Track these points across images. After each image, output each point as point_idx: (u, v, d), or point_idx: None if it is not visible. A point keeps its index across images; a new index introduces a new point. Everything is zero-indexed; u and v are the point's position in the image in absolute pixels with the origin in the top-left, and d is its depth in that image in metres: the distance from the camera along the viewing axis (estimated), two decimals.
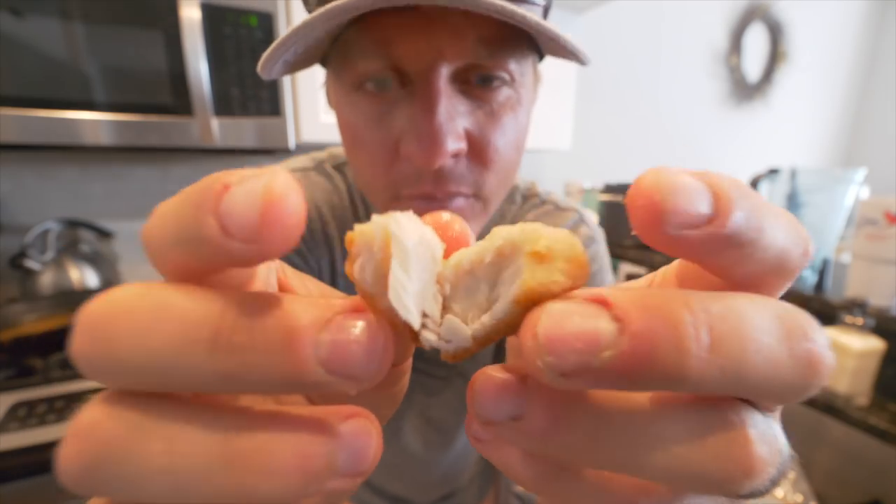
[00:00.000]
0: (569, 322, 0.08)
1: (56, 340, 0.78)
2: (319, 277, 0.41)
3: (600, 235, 0.48)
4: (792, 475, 0.63)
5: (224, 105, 0.83)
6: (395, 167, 0.28)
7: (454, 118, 0.25)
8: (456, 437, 0.54)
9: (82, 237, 1.05)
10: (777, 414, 0.11)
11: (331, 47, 0.28)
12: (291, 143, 0.91)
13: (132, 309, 0.09)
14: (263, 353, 0.08)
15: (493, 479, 0.69)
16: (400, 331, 0.09)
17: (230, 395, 0.11)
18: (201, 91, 0.79)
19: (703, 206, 0.08)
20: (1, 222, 0.99)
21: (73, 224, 1.02)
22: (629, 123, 1.78)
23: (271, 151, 0.95)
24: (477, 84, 0.27)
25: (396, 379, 0.14)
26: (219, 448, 0.08)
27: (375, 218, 0.09)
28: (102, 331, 0.09)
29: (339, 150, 0.48)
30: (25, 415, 0.63)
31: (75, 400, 0.67)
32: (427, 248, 0.09)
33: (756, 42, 1.94)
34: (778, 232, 0.09)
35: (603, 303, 0.08)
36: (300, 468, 0.08)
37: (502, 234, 0.09)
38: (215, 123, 0.82)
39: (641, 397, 0.09)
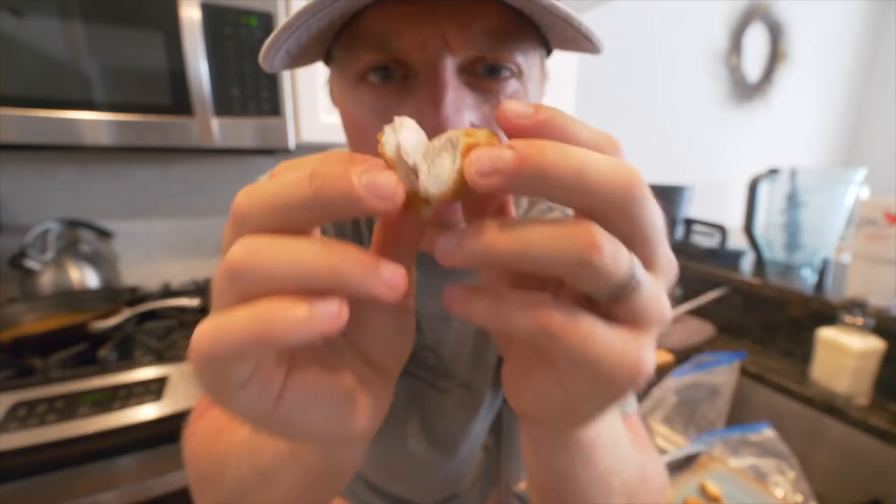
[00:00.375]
0: (487, 150, 0.14)
1: (56, 340, 0.77)
2: None
3: None
4: (792, 475, 0.63)
5: (224, 105, 0.83)
6: None
7: (461, 111, 0.25)
8: (459, 444, 0.54)
9: (82, 237, 1.05)
10: (653, 274, 0.16)
11: (334, 43, 0.28)
12: (291, 143, 0.91)
13: (266, 180, 0.16)
14: (334, 179, 0.14)
15: (495, 481, 0.69)
16: (407, 193, 0.15)
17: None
18: (201, 91, 0.79)
19: (528, 109, 0.15)
20: (1, 222, 0.99)
21: (73, 224, 1.02)
22: (629, 123, 1.78)
23: (271, 151, 0.95)
24: (483, 75, 0.26)
25: (406, 306, 0.20)
26: (321, 247, 0.14)
27: (396, 118, 0.17)
28: (250, 190, 0.16)
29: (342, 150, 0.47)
30: (25, 415, 0.63)
31: (75, 400, 0.67)
32: (419, 134, 0.16)
33: (756, 42, 1.94)
34: (583, 129, 0.15)
35: (508, 146, 0.14)
36: (365, 263, 0.14)
37: (447, 132, 0.16)
38: (215, 123, 0.82)
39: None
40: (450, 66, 0.25)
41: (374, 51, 0.25)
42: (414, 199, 0.16)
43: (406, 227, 0.17)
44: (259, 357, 0.16)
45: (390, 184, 0.14)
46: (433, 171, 0.15)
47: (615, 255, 0.14)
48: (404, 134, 0.16)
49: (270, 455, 0.23)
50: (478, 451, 0.62)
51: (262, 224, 0.15)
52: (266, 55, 0.26)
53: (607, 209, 0.14)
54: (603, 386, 0.16)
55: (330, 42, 0.28)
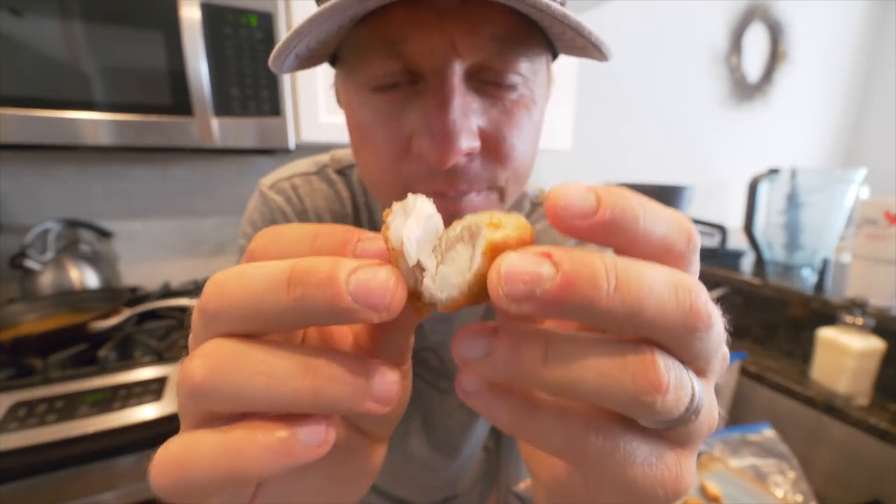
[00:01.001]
0: (521, 263, 0.11)
1: (56, 340, 0.77)
2: None
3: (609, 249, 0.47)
4: (792, 475, 0.63)
5: (224, 105, 0.83)
6: (406, 165, 0.27)
7: (468, 115, 0.25)
8: (460, 446, 0.54)
9: (82, 237, 1.05)
10: (706, 380, 0.14)
11: (341, 46, 0.28)
12: (291, 143, 0.91)
13: (240, 270, 0.13)
14: (317, 287, 0.12)
15: (495, 481, 0.69)
16: (410, 292, 0.13)
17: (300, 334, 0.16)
18: (201, 91, 0.79)
19: (587, 203, 0.12)
20: (1, 222, 0.99)
21: (72, 224, 1.02)
22: (629, 123, 1.78)
23: (271, 151, 0.95)
24: (491, 81, 0.26)
25: (404, 373, 0.18)
26: (299, 362, 0.12)
27: (410, 196, 0.14)
28: (220, 284, 0.13)
29: (343, 153, 0.47)
30: (25, 415, 0.63)
31: (75, 400, 0.67)
32: (432, 221, 0.14)
33: (756, 42, 1.94)
34: (656, 223, 0.12)
35: (546, 255, 0.11)
36: (351, 381, 0.12)
37: (468, 218, 0.13)
38: (215, 123, 0.82)
39: (578, 332, 0.13)
40: (457, 70, 0.24)
41: (383, 58, 0.25)
42: (415, 298, 0.13)
43: (403, 318, 0.14)
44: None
45: (387, 290, 0.12)
46: (443, 271, 0.13)
47: (678, 394, 0.12)
48: (412, 222, 0.13)
49: None
50: (478, 452, 0.62)
51: (233, 327, 0.13)
52: (276, 60, 0.26)
53: (664, 340, 0.12)
54: (634, 502, 0.14)
55: (337, 44, 0.28)
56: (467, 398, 0.13)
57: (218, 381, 0.12)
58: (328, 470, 0.17)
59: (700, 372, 0.14)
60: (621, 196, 0.12)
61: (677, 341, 0.12)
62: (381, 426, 0.19)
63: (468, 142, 0.25)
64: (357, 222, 0.44)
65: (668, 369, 0.12)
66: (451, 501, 0.62)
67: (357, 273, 0.12)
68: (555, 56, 0.32)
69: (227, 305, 0.13)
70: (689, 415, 0.13)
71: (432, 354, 0.47)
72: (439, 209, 0.24)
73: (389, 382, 0.13)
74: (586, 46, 0.26)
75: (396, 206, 0.14)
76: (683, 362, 0.13)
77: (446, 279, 0.13)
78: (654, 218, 0.12)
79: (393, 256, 0.13)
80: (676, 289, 0.12)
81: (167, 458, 0.13)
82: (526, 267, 0.11)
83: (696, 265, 0.14)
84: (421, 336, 0.46)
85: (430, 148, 0.25)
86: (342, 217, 0.43)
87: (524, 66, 0.27)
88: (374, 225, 0.43)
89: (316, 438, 0.13)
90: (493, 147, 0.27)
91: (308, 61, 0.29)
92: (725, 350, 0.15)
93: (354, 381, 0.12)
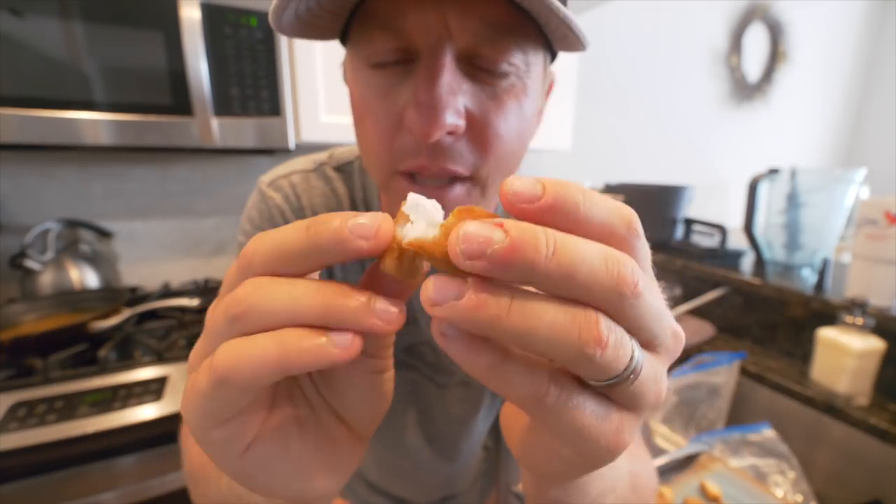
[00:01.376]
0: (477, 228, 0.13)
1: (56, 340, 0.77)
2: None
3: None
4: (792, 475, 0.63)
5: (224, 105, 0.83)
6: (397, 139, 0.28)
7: (455, 93, 0.26)
8: (459, 444, 0.54)
9: (82, 237, 1.05)
10: (655, 355, 0.16)
11: (349, 22, 0.29)
12: (291, 143, 0.91)
13: (272, 230, 0.16)
14: (326, 225, 0.15)
15: (495, 480, 0.69)
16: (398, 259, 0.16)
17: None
18: (201, 91, 0.79)
19: (534, 190, 0.14)
20: (1, 222, 0.99)
21: (72, 224, 1.02)
22: (629, 123, 1.78)
23: (271, 151, 0.95)
24: (483, 69, 0.27)
25: (383, 368, 0.20)
26: (313, 285, 0.15)
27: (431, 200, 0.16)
28: (257, 238, 0.16)
29: (342, 151, 0.47)
30: (25, 415, 0.63)
31: (75, 400, 0.67)
32: (435, 219, 0.16)
33: (756, 42, 1.94)
34: (596, 209, 0.14)
35: (499, 224, 0.13)
36: (355, 297, 0.15)
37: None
38: (215, 123, 0.82)
39: (535, 292, 0.14)
40: (449, 50, 0.25)
41: (382, 31, 0.26)
42: (398, 261, 0.16)
43: (391, 283, 0.17)
44: (254, 395, 0.17)
45: (375, 222, 0.15)
46: (419, 223, 0.15)
47: (617, 352, 0.14)
48: (422, 207, 0.16)
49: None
50: (478, 451, 0.62)
51: (265, 268, 0.16)
52: (274, 13, 0.26)
53: (600, 305, 0.14)
54: (583, 455, 0.17)
55: (345, 22, 0.29)
56: (445, 341, 0.15)
57: (253, 301, 0.15)
58: (310, 455, 0.19)
59: (647, 345, 0.16)
60: (565, 186, 0.14)
61: (611, 306, 0.14)
62: (362, 415, 0.20)
63: (453, 118, 0.26)
64: None
65: (609, 329, 0.14)
66: (451, 500, 0.62)
67: (356, 217, 0.15)
68: (553, 56, 0.32)
69: (260, 250, 0.16)
70: (626, 374, 0.15)
71: (428, 348, 0.47)
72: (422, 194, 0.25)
73: (386, 304, 0.15)
74: (568, 35, 0.27)
75: (412, 198, 0.16)
76: (627, 330, 0.15)
77: (419, 227, 0.15)
78: (594, 205, 0.14)
79: (399, 252, 0.16)
80: (606, 259, 0.14)
81: (230, 347, 0.15)
82: (481, 231, 0.13)
83: (641, 249, 0.16)
84: (417, 331, 0.46)
85: (416, 119, 0.26)
86: None
87: (517, 56, 0.27)
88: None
89: (345, 340, 0.15)
90: (478, 131, 0.28)
91: (312, 29, 0.29)
92: (676, 328, 0.17)
93: (358, 298, 0.15)
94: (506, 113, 0.28)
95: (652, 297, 0.15)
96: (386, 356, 0.20)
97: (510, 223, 0.13)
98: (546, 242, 0.13)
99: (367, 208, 0.44)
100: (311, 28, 0.29)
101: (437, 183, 0.29)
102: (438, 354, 0.47)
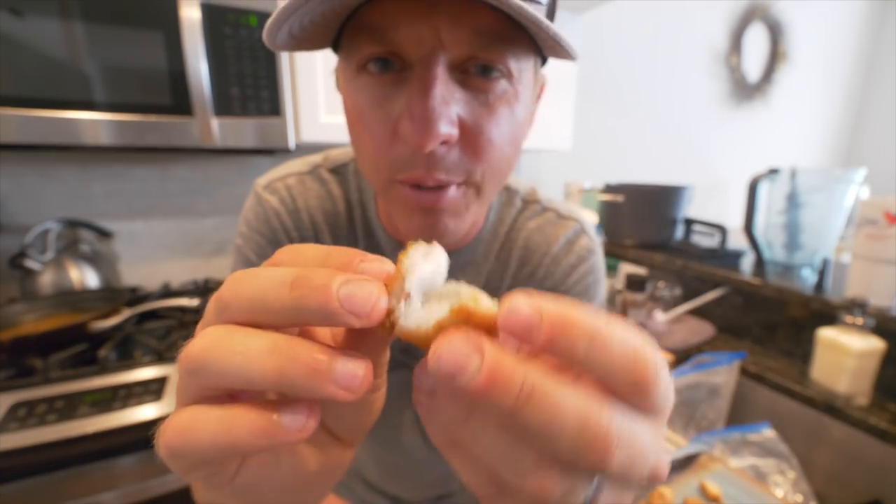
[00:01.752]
0: (454, 351, 0.13)
1: (56, 340, 0.77)
2: None
3: (599, 248, 0.48)
4: (792, 475, 0.63)
5: (224, 105, 0.83)
6: (393, 149, 0.29)
7: (448, 103, 0.26)
8: None
9: (82, 237, 1.05)
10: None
11: (341, 31, 0.29)
12: (291, 143, 0.91)
13: (256, 271, 0.15)
14: (312, 290, 0.14)
15: None
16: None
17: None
18: (201, 91, 0.79)
19: (531, 319, 0.13)
20: (1, 222, 0.99)
21: (72, 224, 1.02)
22: (629, 123, 1.78)
23: (271, 151, 0.95)
24: (475, 73, 0.27)
25: (374, 387, 0.20)
26: (270, 344, 0.14)
27: (435, 245, 0.17)
28: (237, 279, 0.15)
29: (337, 153, 0.47)
30: (25, 415, 0.63)
31: (75, 400, 0.67)
32: (439, 271, 0.16)
33: (756, 42, 1.94)
34: (603, 355, 0.13)
35: (480, 351, 0.13)
36: (312, 364, 0.14)
37: (460, 286, 0.16)
38: (215, 123, 0.82)
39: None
40: (441, 61, 0.26)
41: (374, 42, 0.26)
42: (389, 319, 0.15)
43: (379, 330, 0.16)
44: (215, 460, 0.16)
45: (369, 300, 0.14)
46: (415, 310, 0.15)
47: (623, 465, 0.13)
48: (427, 263, 0.16)
49: None
50: None
51: (239, 316, 0.15)
52: (268, 33, 0.27)
53: (565, 457, 0.14)
54: None
55: (337, 31, 0.29)
56: (421, 394, 0.16)
57: (206, 358, 0.14)
58: (299, 468, 0.19)
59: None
60: (569, 322, 0.13)
61: (574, 465, 0.14)
62: (350, 428, 0.20)
63: (446, 127, 0.26)
64: (350, 220, 0.44)
65: (621, 442, 0.13)
66: (447, 499, 0.63)
67: (348, 284, 0.14)
68: (544, 61, 0.33)
69: (237, 296, 0.15)
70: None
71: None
72: (420, 202, 0.28)
73: (352, 370, 0.14)
74: (555, 46, 0.27)
75: (421, 245, 0.16)
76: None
77: (416, 319, 0.15)
78: (601, 351, 0.13)
79: (394, 277, 0.15)
80: (583, 426, 0.13)
81: (175, 425, 0.15)
82: (458, 355, 0.13)
83: (658, 390, 0.14)
84: None
85: (411, 131, 0.26)
86: (333, 215, 0.43)
87: (510, 62, 0.27)
88: (367, 221, 0.44)
89: (297, 424, 0.14)
90: (471, 138, 0.28)
91: (305, 42, 0.30)
92: (657, 470, 0.14)
93: (316, 365, 0.14)
94: (498, 119, 0.29)
95: (634, 458, 0.13)
96: (380, 375, 0.19)
97: (491, 353, 0.12)
98: (522, 387, 0.12)
99: (363, 211, 0.44)
100: (305, 42, 0.30)
101: (434, 188, 0.30)
102: None
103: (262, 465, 0.17)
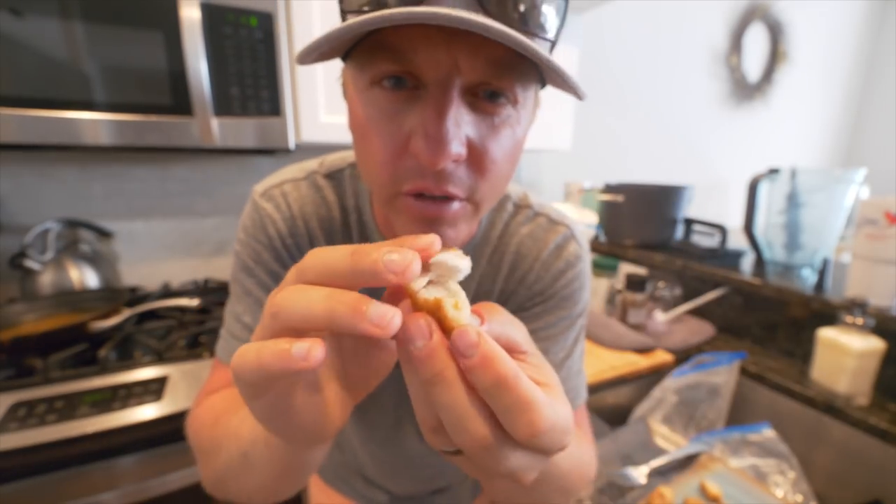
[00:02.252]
0: (417, 326, 0.20)
1: (56, 340, 0.77)
2: None
3: (587, 255, 0.49)
4: (792, 475, 0.63)
5: (224, 105, 0.83)
6: (402, 161, 0.30)
7: (460, 125, 0.28)
8: None
9: (82, 237, 1.05)
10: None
11: (355, 43, 0.31)
12: (291, 144, 0.91)
13: (322, 250, 0.21)
14: (365, 255, 0.19)
15: None
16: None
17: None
18: (201, 91, 0.79)
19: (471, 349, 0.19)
20: (1, 222, 0.99)
21: (72, 224, 1.02)
22: (629, 123, 1.78)
23: (271, 151, 0.95)
24: (484, 98, 0.30)
25: (387, 346, 0.25)
26: (328, 293, 0.19)
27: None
28: (312, 254, 0.20)
29: (333, 158, 0.48)
30: (25, 415, 0.63)
31: (75, 400, 0.67)
32: (466, 267, 0.21)
33: (756, 42, 1.94)
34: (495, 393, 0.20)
35: (429, 336, 0.20)
36: (354, 305, 0.18)
37: (449, 286, 0.21)
38: (215, 123, 0.82)
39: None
40: (457, 85, 0.28)
41: (392, 62, 0.28)
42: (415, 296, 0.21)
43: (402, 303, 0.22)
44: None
45: (403, 261, 0.18)
46: (420, 289, 0.20)
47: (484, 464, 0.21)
48: (449, 261, 0.20)
49: (249, 442, 0.30)
50: None
51: (312, 278, 0.20)
52: (304, 57, 0.30)
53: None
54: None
55: (352, 43, 0.31)
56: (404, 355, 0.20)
57: (282, 303, 0.19)
58: (314, 402, 0.23)
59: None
60: (489, 363, 0.19)
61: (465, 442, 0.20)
62: (357, 383, 0.25)
63: (457, 148, 0.28)
64: (345, 224, 0.45)
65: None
66: (445, 492, 0.63)
67: (391, 252, 0.18)
68: (543, 85, 0.35)
69: (311, 264, 0.20)
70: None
71: None
72: (424, 212, 0.32)
73: (383, 311, 0.18)
74: (557, 79, 0.30)
75: (455, 250, 0.21)
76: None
77: (421, 292, 0.20)
78: (497, 395, 0.19)
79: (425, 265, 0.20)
80: (460, 422, 0.20)
81: (237, 351, 0.20)
82: (416, 329, 0.19)
83: (538, 442, 0.20)
84: None
85: (425, 149, 0.28)
86: (328, 220, 0.44)
87: (517, 89, 0.30)
88: (363, 225, 0.45)
89: (301, 353, 0.18)
90: (477, 157, 0.30)
91: (323, 56, 0.32)
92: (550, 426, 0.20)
93: (357, 305, 0.18)
94: (501, 140, 0.31)
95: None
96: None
97: (432, 342, 0.19)
98: (438, 372, 0.19)
99: (359, 215, 0.45)
100: (323, 56, 0.32)
101: (438, 200, 0.32)
102: None
103: (285, 393, 0.22)
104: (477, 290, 0.47)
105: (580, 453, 0.40)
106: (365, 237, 0.44)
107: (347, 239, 0.45)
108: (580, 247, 0.47)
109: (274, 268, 0.44)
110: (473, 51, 0.27)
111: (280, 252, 0.43)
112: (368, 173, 0.33)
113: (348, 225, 0.45)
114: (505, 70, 0.28)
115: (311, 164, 0.47)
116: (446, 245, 0.21)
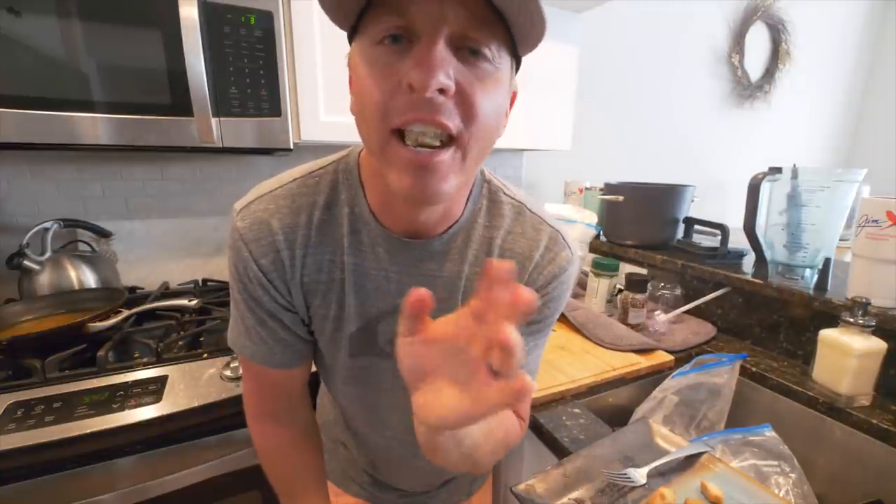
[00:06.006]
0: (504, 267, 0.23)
1: (54, 341, 0.77)
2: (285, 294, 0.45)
3: (577, 259, 0.49)
4: (793, 476, 0.63)
5: (224, 104, 0.82)
6: (395, 99, 0.33)
7: (447, 62, 0.32)
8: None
9: (81, 237, 1.05)
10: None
11: (359, 20, 0.35)
12: (291, 143, 0.90)
13: None
14: None
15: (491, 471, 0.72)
16: None
17: None
18: (200, 90, 0.78)
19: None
20: None
21: (71, 224, 1.02)
22: (629, 123, 1.78)
23: (271, 151, 0.95)
24: (467, 53, 0.33)
25: None
26: None
27: None
28: None
29: (314, 162, 0.47)
30: (23, 415, 0.63)
31: (73, 400, 0.67)
32: None
33: (758, 41, 1.94)
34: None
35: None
36: None
37: None
38: (215, 123, 0.82)
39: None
40: (444, 31, 0.32)
41: (392, 13, 0.32)
42: None
43: None
44: None
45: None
46: None
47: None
48: None
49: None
50: None
51: None
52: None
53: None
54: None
55: (356, 19, 0.35)
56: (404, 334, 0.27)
57: None
58: None
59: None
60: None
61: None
62: None
63: (445, 78, 0.32)
64: (324, 223, 0.44)
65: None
66: (450, 483, 0.65)
67: None
68: (517, 66, 0.39)
69: None
70: None
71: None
72: (416, 158, 0.33)
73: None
74: (530, 32, 0.34)
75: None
76: None
77: None
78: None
79: None
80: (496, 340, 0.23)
81: None
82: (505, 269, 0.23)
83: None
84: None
85: (417, 74, 0.31)
86: (306, 226, 0.44)
87: (493, 45, 0.34)
88: (355, 217, 0.44)
89: None
90: (464, 98, 0.34)
91: (333, 13, 0.36)
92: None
93: None
94: (485, 91, 0.34)
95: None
96: None
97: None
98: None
99: (351, 208, 0.45)
100: (333, 13, 0.35)
101: (428, 149, 0.34)
102: None
103: None
104: (465, 288, 0.47)
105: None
106: (354, 230, 0.44)
107: (330, 236, 0.45)
108: (572, 252, 0.48)
109: (262, 283, 0.44)
110: (458, 3, 0.32)
111: (259, 273, 0.44)
112: (363, 120, 0.36)
113: (329, 223, 0.45)
114: (483, 23, 0.33)
115: (290, 173, 0.47)
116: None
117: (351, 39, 0.38)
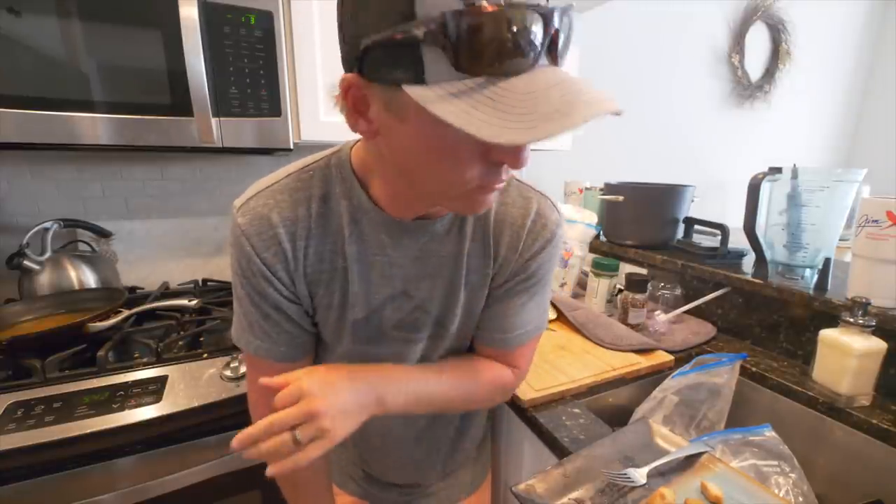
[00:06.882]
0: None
1: (54, 341, 0.77)
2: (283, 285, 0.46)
3: (563, 220, 0.52)
4: (793, 476, 0.63)
5: (224, 105, 0.82)
6: (477, 168, 0.36)
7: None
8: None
9: (81, 237, 1.05)
10: None
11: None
12: (291, 143, 0.90)
13: None
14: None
15: (490, 465, 0.75)
16: None
17: None
18: (200, 90, 0.78)
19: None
20: None
21: (71, 223, 1.02)
22: (629, 123, 1.78)
23: (271, 151, 0.95)
24: None
25: None
26: None
27: None
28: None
29: (306, 159, 0.48)
30: (23, 415, 0.63)
31: (73, 400, 0.67)
32: None
33: (758, 41, 1.94)
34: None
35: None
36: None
37: None
38: (215, 123, 0.82)
39: None
40: None
41: None
42: None
43: None
44: None
45: None
46: None
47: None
48: None
49: None
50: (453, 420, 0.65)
51: None
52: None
53: None
54: None
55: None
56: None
57: None
58: None
59: None
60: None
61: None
62: None
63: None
64: (323, 216, 0.45)
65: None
66: (450, 477, 0.67)
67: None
68: None
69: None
70: None
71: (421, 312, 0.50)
72: (489, 197, 0.39)
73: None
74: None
75: None
76: None
77: None
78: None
79: None
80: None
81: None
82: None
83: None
84: (408, 304, 0.50)
85: (517, 162, 0.37)
86: (305, 219, 0.45)
87: None
88: (354, 208, 0.45)
89: None
90: None
91: None
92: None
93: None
94: None
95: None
96: None
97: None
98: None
99: (349, 201, 0.45)
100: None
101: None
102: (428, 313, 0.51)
103: None
104: (469, 257, 0.49)
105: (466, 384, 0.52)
106: (355, 220, 0.45)
107: (328, 227, 0.46)
108: (559, 214, 0.51)
109: (265, 275, 0.45)
110: None
111: (263, 265, 0.44)
112: (437, 180, 0.37)
113: (328, 215, 0.45)
114: None
115: (287, 169, 0.48)
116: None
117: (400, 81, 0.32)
